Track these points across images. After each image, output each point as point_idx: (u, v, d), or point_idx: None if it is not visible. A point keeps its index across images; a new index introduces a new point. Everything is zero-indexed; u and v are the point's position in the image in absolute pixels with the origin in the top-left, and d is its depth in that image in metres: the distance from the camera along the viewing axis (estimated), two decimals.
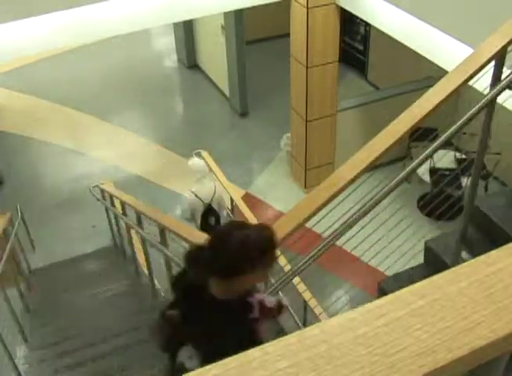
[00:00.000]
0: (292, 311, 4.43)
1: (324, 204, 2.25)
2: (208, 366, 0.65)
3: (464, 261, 0.80)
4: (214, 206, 5.43)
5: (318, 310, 4.42)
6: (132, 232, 5.29)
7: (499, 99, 2.37)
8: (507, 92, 2.29)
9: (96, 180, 6.59)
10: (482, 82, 2.35)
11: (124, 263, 6.29)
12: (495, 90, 2.24)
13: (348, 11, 5.99)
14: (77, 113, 9.49)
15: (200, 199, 5.33)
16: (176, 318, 2.03)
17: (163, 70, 11.09)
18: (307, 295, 4.43)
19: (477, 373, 0.75)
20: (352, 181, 2.23)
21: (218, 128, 9.13)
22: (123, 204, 5.09)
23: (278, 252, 1.97)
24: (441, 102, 2.22)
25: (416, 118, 2.21)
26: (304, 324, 4.39)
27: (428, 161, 5.92)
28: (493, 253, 0.79)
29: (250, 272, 1.82)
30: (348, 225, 2.20)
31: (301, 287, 4.39)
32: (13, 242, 5.59)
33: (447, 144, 2.28)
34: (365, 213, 2.20)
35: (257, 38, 10.67)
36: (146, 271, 5.19)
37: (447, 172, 6.34)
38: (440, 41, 4.47)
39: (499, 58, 2.29)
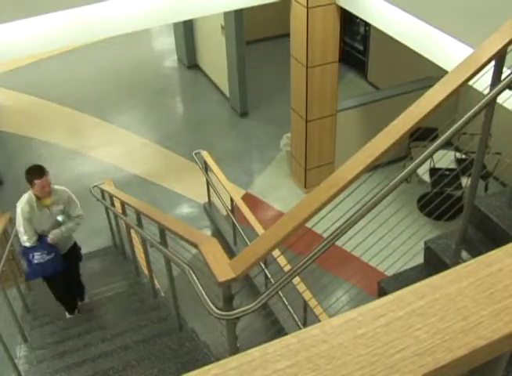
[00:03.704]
0: (292, 311, 4.44)
1: (324, 204, 2.24)
2: (208, 366, 0.65)
3: (464, 261, 0.80)
4: None
5: (318, 310, 4.43)
6: (132, 232, 5.29)
7: (499, 99, 2.37)
8: (507, 92, 2.29)
9: (96, 180, 6.59)
10: (482, 82, 2.36)
11: (124, 263, 6.29)
12: (495, 90, 2.24)
13: (348, 11, 5.99)
14: (77, 113, 9.49)
15: None
16: None
17: (163, 70, 11.09)
18: (307, 295, 4.43)
19: (477, 373, 0.75)
20: (352, 181, 2.23)
21: (218, 128, 9.13)
22: (123, 204, 5.09)
23: None
24: (441, 102, 2.22)
25: (416, 118, 2.21)
26: (304, 324, 4.40)
27: (428, 161, 5.92)
28: (493, 253, 0.80)
29: None
30: (348, 225, 2.20)
31: (301, 287, 4.39)
32: (13, 242, 5.59)
33: (447, 144, 2.28)
34: (365, 213, 2.20)
35: (257, 38, 10.67)
36: (145, 271, 5.19)
37: (447, 172, 6.34)
38: (440, 41, 4.48)
39: (499, 58, 2.29)
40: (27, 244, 4.64)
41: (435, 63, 4.64)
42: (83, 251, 6.71)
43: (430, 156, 2.23)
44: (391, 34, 5.24)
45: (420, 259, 3.02)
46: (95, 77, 10.62)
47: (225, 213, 6.44)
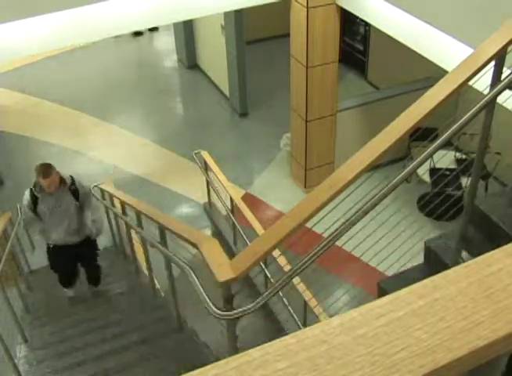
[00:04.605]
0: (292, 311, 4.43)
1: (324, 204, 2.24)
2: (208, 366, 0.65)
3: (464, 261, 0.80)
4: None
5: (318, 310, 4.43)
6: (132, 232, 5.29)
7: (499, 99, 2.37)
8: (507, 92, 2.29)
9: (96, 180, 6.59)
10: (482, 82, 2.35)
11: (124, 263, 6.29)
12: (495, 90, 2.24)
13: (348, 11, 5.99)
14: (77, 113, 9.49)
15: None
16: None
17: (163, 70, 11.09)
18: (307, 295, 4.43)
19: (477, 373, 0.75)
20: (352, 181, 2.23)
21: (218, 128, 9.13)
22: (123, 204, 5.08)
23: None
24: (441, 102, 2.22)
25: (416, 118, 2.21)
26: (304, 324, 4.40)
27: (428, 161, 5.92)
28: (493, 253, 0.79)
29: None
30: (348, 225, 2.20)
31: (301, 287, 4.40)
32: (13, 242, 5.58)
33: (447, 144, 2.28)
34: (365, 213, 2.20)
35: (257, 38, 10.67)
36: (145, 271, 5.19)
37: (447, 172, 6.34)
38: (440, 41, 4.48)
39: (499, 58, 2.29)
40: None
41: (435, 63, 4.64)
42: None
43: (430, 156, 2.22)
44: (391, 34, 5.24)
45: (420, 259, 3.02)
46: (95, 78, 10.62)
47: (225, 213, 6.44)
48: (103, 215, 5.07)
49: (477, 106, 2.22)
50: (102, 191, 6.14)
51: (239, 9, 6.98)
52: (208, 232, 6.78)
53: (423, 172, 6.32)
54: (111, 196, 5.72)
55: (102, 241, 6.89)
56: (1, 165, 8.20)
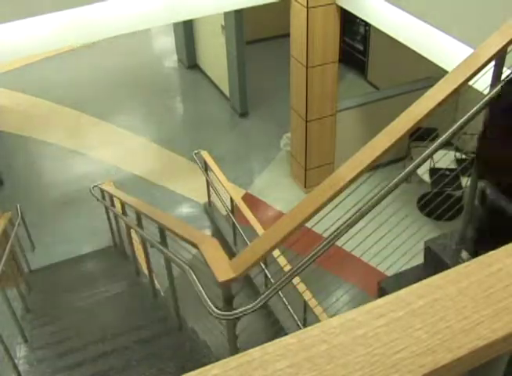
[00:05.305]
0: (292, 311, 4.44)
1: (324, 204, 2.24)
2: (208, 366, 0.65)
3: (464, 261, 0.80)
4: None
5: (318, 310, 4.43)
6: (132, 232, 5.29)
7: None
8: None
9: (96, 180, 6.59)
10: (482, 82, 2.36)
11: (124, 263, 6.29)
12: (495, 90, 2.24)
13: (348, 11, 6.00)
14: (77, 113, 9.49)
15: None
16: None
17: (163, 70, 11.09)
18: (307, 295, 4.43)
19: (477, 373, 0.75)
20: (352, 181, 2.23)
21: (218, 128, 9.13)
22: (123, 204, 5.08)
23: None
24: (441, 102, 2.22)
25: (416, 118, 2.21)
26: (304, 324, 4.40)
27: (428, 161, 5.92)
28: (493, 253, 0.79)
29: None
30: (348, 225, 2.20)
31: (301, 287, 4.39)
32: (13, 242, 5.58)
33: (447, 144, 2.28)
34: (365, 213, 2.20)
35: (257, 38, 10.68)
36: (145, 271, 5.19)
37: (447, 172, 6.34)
38: (440, 41, 4.48)
39: (499, 58, 2.29)
40: None
41: (435, 63, 4.64)
42: (83, 250, 6.74)
43: (430, 156, 2.23)
44: (391, 34, 5.24)
45: (420, 259, 3.02)
46: (95, 78, 10.62)
47: (225, 213, 6.44)
48: None
49: (477, 106, 2.22)
50: (102, 191, 6.15)
51: (239, 9, 6.99)
52: (208, 232, 6.78)
53: (423, 172, 6.32)
54: (111, 196, 5.72)
55: (103, 241, 6.91)
56: (1, 165, 8.20)
